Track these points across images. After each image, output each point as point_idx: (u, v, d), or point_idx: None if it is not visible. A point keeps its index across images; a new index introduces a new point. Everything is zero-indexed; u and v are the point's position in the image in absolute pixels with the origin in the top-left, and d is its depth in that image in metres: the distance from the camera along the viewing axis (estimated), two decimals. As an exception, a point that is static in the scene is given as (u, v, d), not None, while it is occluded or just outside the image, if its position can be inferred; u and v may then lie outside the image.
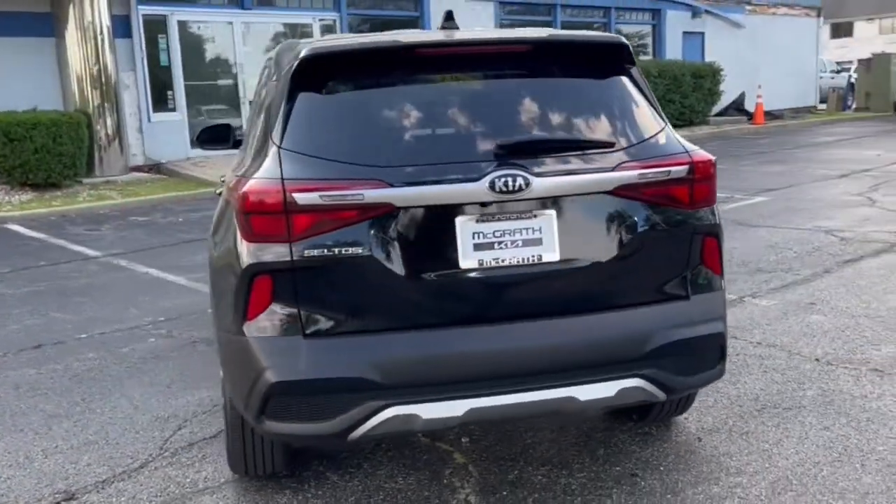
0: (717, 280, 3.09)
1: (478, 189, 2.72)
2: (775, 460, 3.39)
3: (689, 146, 3.05)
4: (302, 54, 2.91)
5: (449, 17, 3.30)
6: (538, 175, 2.75)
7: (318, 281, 2.75)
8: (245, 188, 2.78)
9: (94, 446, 3.85)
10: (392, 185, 2.70)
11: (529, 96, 2.96)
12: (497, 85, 3.00)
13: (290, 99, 2.92)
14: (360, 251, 2.71)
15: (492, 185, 2.71)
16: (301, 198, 2.69)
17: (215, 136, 5.23)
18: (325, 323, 2.77)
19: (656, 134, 3.02)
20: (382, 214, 2.71)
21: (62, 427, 4.08)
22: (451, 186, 2.73)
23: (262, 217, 2.74)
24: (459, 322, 2.79)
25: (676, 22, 22.90)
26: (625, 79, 3.11)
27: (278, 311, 2.77)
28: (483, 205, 2.76)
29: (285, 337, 2.78)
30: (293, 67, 2.92)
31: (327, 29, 16.44)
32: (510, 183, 2.71)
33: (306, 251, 2.71)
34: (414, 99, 2.92)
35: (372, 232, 2.71)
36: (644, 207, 2.91)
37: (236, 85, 15.43)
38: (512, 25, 19.77)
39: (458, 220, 2.76)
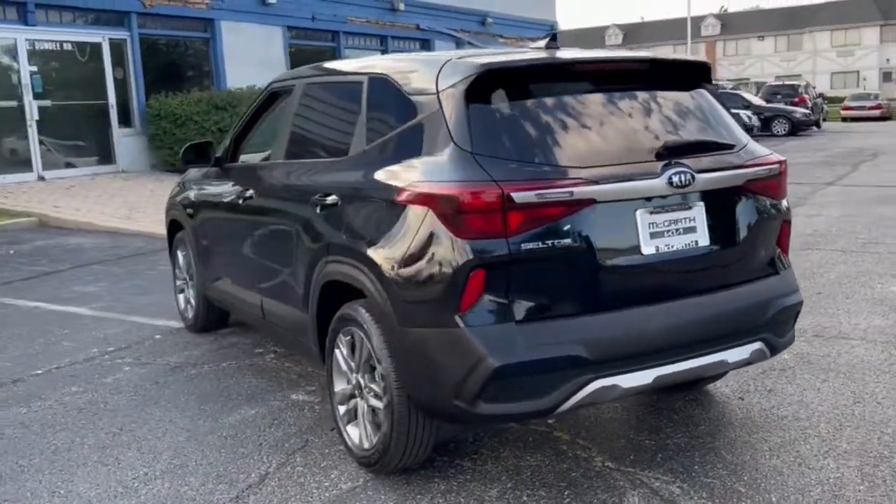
0: (787, 259, 3.77)
1: (658, 184, 3.17)
2: (814, 407, 4.13)
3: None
4: (477, 70, 3.20)
5: (553, 37, 3.70)
6: (698, 171, 3.25)
7: (527, 271, 3.04)
8: (454, 190, 3.01)
9: (185, 469, 3.73)
10: (594, 183, 3.06)
11: (661, 104, 3.48)
12: (635, 95, 3.45)
13: (466, 109, 3.18)
14: (565, 243, 3.05)
15: (669, 181, 3.17)
16: (519, 196, 2.97)
17: (199, 155, 5.17)
18: (533, 309, 3.07)
19: (749, 139, 3.64)
20: (583, 209, 3.07)
21: (128, 456, 3.88)
22: (640, 182, 3.16)
23: (479, 216, 2.99)
24: (645, 301, 3.21)
25: (445, 51, 24.26)
26: (708, 93, 3.70)
27: (491, 301, 3.03)
28: (652, 199, 3.20)
29: (499, 324, 3.03)
30: (469, 80, 3.19)
31: (117, 48, 15.62)
32: (683, 178, 3.19)
33: (523, 244, 2.99)
34: (580, 107, 3.31)
35: (574, 225, 3.06)
36: (756, 198, 3.52)
37: (22, 107, 14.16)
38: (299, 50, 19.94)
39: (638, 213, 3.18)
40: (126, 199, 12.91)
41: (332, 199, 3.70)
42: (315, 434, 4.05)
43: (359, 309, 3.51)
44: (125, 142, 15.77)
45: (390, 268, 3.25)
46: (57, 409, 4.54)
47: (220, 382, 4.87)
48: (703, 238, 3.33)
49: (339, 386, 3.78)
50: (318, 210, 3.79)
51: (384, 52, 22.38)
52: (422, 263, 3.13)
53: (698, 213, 3.32)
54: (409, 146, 3.39)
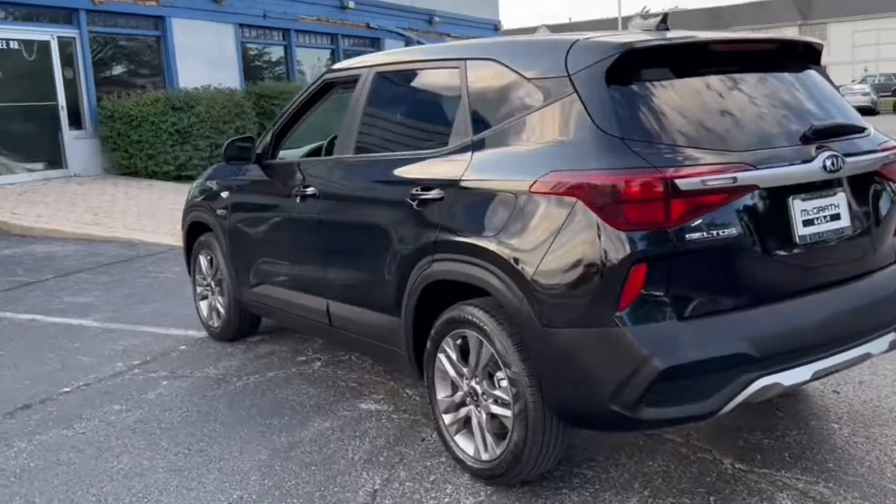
0: (900, 246, 3.66)
1: (814, 169, 3.01)
2: (914, 397, 4.04)
3: (881, 135, 3.60)
4: (618, 50, 2.98)
5: (664, 19, 3.50)
6: (845, 156, 3.10)
7: (689, 263, 2.84)
8: (612, 178, 2.78)
9: (282, 490, 3.42)
10: (755, 168, 2.87)
11: (792, 86, 3.32)
12: (767, 77, 3.29)
13: (608, 91, 2.96)
14: (728, 232, 2.86)
15: (823, 166, 3.01)
16: (683, 184, 2.77)
17: (241, 151, 4.85)
18: (696, 304, 2.87)
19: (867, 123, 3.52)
20: (745, 195, 2.88)
21: (211, 479, 3.54)
22: (798, 167, 2.99)
23: (640, 205, 2.77)
24: (800, 293, 3.05)
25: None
26: (822, 75, 3.56)
27: (652, 297, 2.82)
28: (802, 185, 3.03)
29: (663, 322, 2.82)
30: (610, 61, 2.98)
31: (66, 46, 14.86)
32: (836, 163, 3.03)
33: (686, 235, 2.79)
34: (719, 88, 3.14)
35: (736, 213, 2.87)
36: (885, 183, 3.39)
37: (-33, 109, 13.36)
38: (251, 48, 19.40)
39: (791, 199, 3.01)
40: (88, 204, 12.26)
41: (434, 193, 3.43)
42: (406, 445, 3.77)
43: (474, 310, 3.26)
44: (76, 145, 15.00)
45: (528, 264, 2.99)
46: (106, 430, 4.14)
47: (276, 394, 4.54)
48: (846, 225, 3.18)
49: (443, 393, 3.52)
50: (415, 205, 3.51)
51: (335, 50, 22.00)
52: (571, 259, 2.89)
53: (841, 198, 3.17)
54: (535, 133, 3.15)
